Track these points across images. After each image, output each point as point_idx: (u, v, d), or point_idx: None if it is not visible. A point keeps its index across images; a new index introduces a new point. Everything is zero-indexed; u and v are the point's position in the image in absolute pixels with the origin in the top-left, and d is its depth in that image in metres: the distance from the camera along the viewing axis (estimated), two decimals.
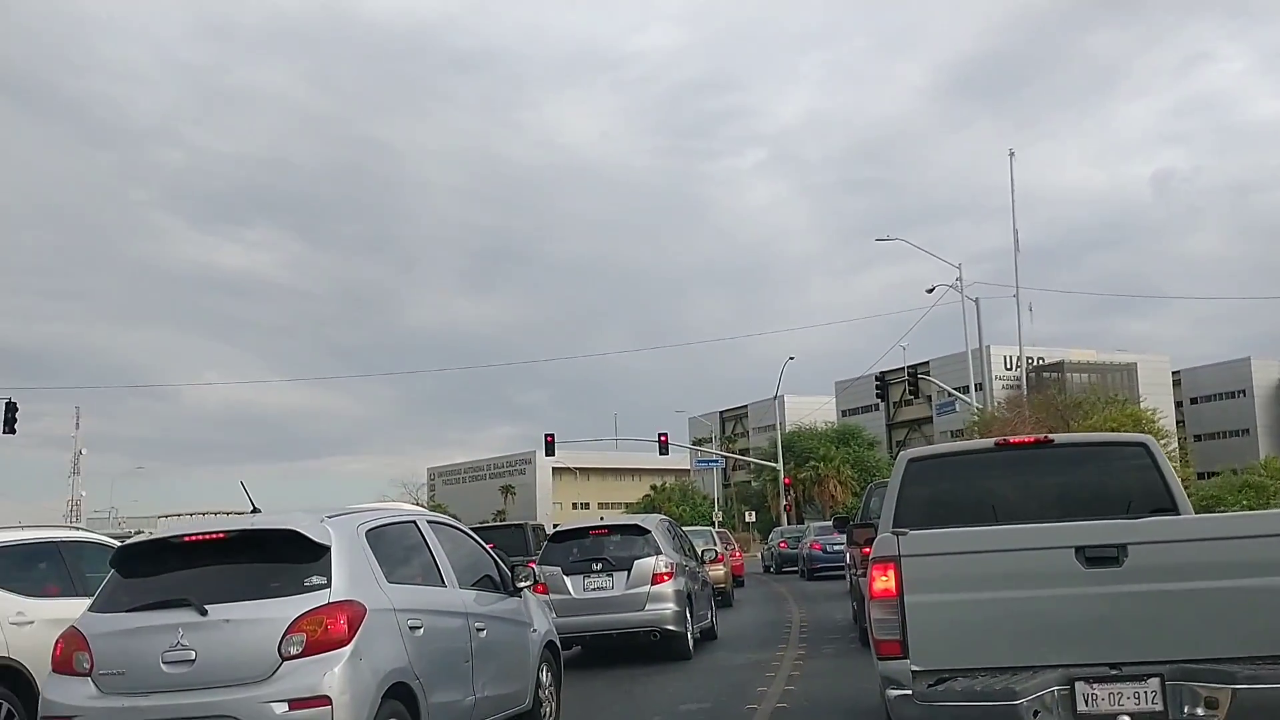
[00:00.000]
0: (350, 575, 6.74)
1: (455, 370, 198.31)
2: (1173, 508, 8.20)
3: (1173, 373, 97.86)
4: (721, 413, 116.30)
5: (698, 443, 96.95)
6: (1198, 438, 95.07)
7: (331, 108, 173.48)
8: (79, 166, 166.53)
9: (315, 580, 6.60)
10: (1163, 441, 46.39)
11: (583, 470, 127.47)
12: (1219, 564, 5.76)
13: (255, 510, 7.61)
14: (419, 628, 7.10)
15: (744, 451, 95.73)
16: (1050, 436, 9.30)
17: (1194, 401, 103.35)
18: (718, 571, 23.84)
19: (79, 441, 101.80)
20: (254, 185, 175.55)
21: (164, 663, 6.39)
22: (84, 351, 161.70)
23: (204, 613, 6.44)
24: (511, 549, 25.35)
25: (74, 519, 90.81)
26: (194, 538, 6.92)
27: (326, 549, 6.74)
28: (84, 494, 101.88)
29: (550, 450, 56.99)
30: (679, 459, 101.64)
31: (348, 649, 6.42)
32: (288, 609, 6.45)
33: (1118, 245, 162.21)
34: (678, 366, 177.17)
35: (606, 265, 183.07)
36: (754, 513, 79.26)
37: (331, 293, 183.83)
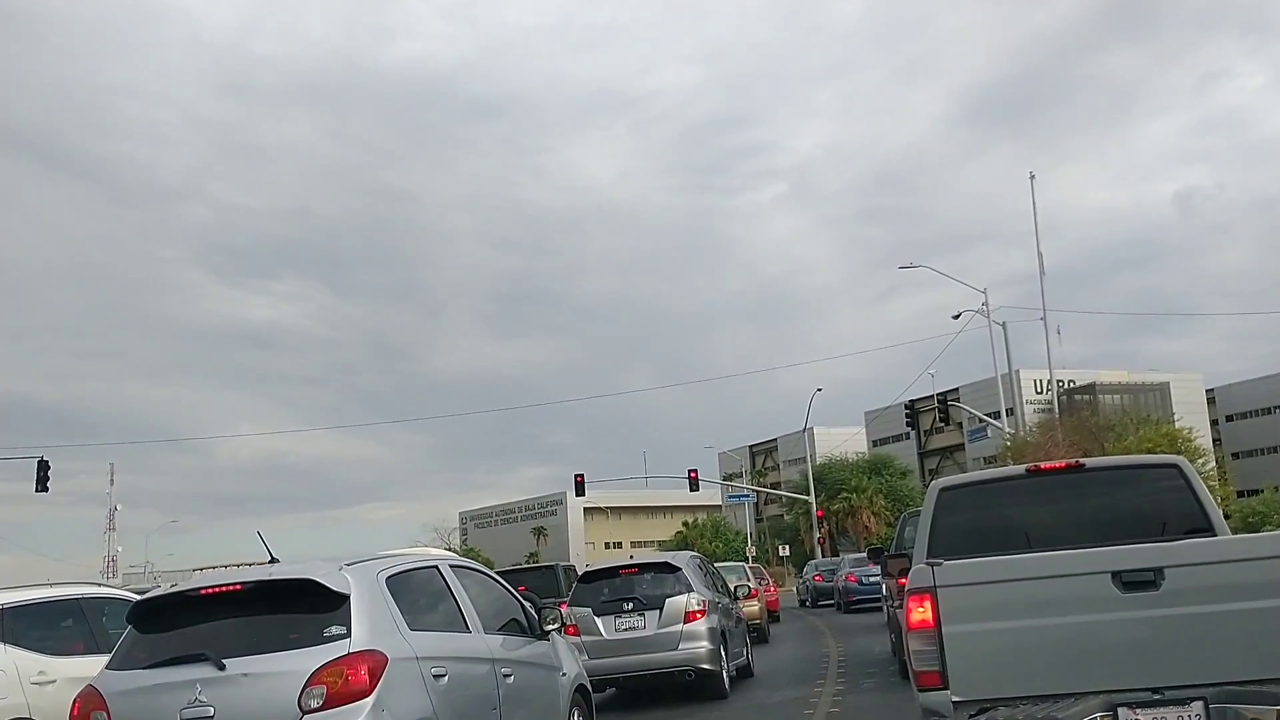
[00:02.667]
0: (371, 624, 6.57)
1: (484, 414, 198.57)
2: (1209, 529, 8.11)
3: (1207, 391, 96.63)
4: (751, 447, 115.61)
5: (728, 478, 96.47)
6: (1235, 455, 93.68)
7: (353, 158, 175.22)
8: (108, 226, 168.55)
9: (335, 630, 6.43)
10: (1200, 460, 46.21)
11: (614, 509, 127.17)
12: (1259, 584, 5.67)
13: (273, 560, 7.46)
14: (443, 676, 6.90)
15: (775, 485, 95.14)
16: (1081, 461, 9.31)
17: (1230, 419, 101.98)
18: (752, 607, 23.53)
19: (113, 498, 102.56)
20: (279, 238, 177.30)
21: (183, 719, 6.23)
22: (117, 409, 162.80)
23: (222, 667, 6.28)
24: (543, 591, 25.16)
25: (110, 575, 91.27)
26: (211, 590, 6.77)
27: (345, 598, 6.58)
28: (119, 549, 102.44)
29: (580, 490, 56.66)
30: (710, 495, 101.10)
31: (369, 700, 6.23)
32: (307, 661, 6.28)
33: (1145, 265, 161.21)
34: (706, 402, 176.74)
35: (631, 304, 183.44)
36: (788, 546, 78.56)
37: (359, 341, 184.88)
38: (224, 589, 6.75)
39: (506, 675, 7.77)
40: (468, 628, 7.65)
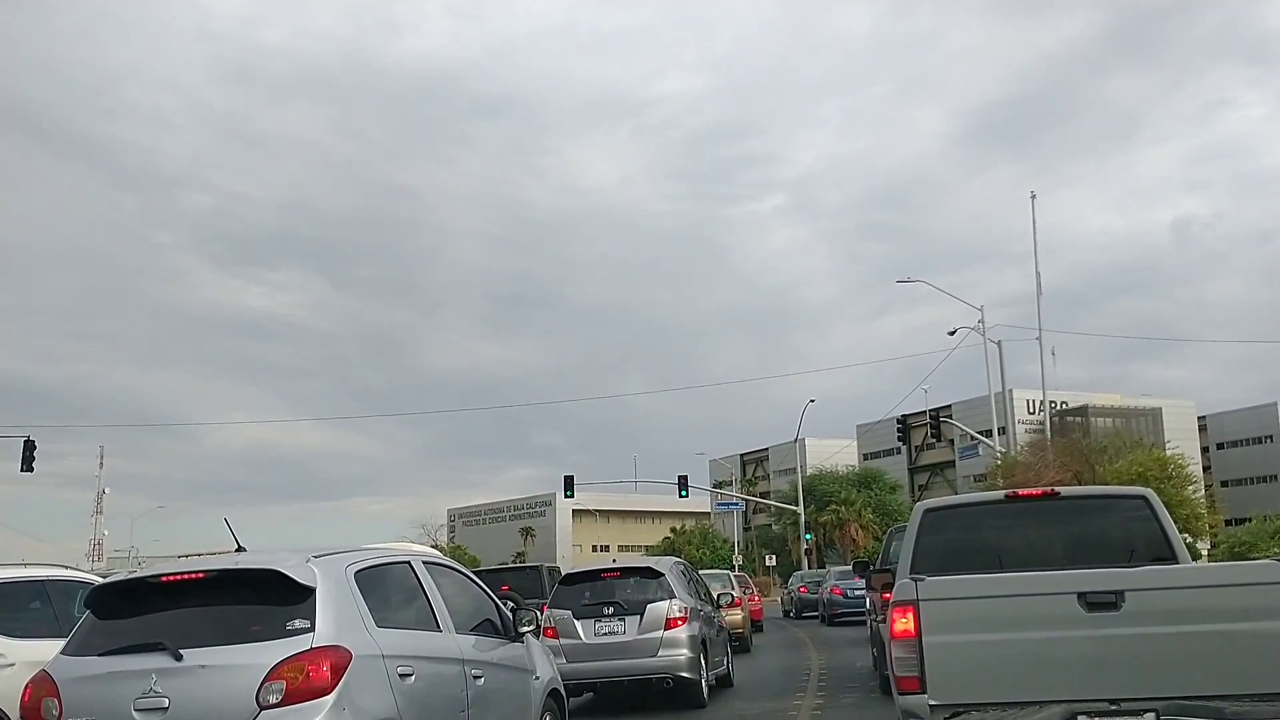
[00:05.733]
0: (336, 619, 6.36)
1: (476, 412, 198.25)
2: (1171, 557, 8.86)
3: (1198, 418, 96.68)
4: (742, 455, 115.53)
5: (718, 485, 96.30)
6: (1224, 483, 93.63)
7: (355, 152, 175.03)
8: (107, 210, 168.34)
9: (298, 624, 6.21)
10: (1191, 487, 45.95)
11: (602, 513, 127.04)
12: (1209, 609, 6.23)
13: (240, 549, 7.25)
14: (410, 675, 6.70)
15: (764, 494, 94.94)
16: (1056, 489, 10.05)
17: (1220, 447, 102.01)
18: (735, 616, 23.32)
19: (102, 481, 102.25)
20: (278, 229, 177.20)
21: (136, 710, 6.03)
22: (109, 393, 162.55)
23: (179, 658, 6.07)
24: (526, 591, 24.97)
25: (96, 558, 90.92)
26: (172, 578, 6.56)
27: (311, 591, 6.36)
28: (106, 533, 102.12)
29: (569, 491, 56.38)
30: (699, 502, 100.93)
31: (330, 698, 6.03)
32: (267, 654, 6.07)
33: (1140, 291, 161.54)
34: (698, 409, 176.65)
35: (627, 309, 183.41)
36: (774, 556, 78.42)
37: (354, 335, 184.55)
38: (186, 577, 6.55)
39: (477, 677, 7.56)
40: (438, 627, 7.44)
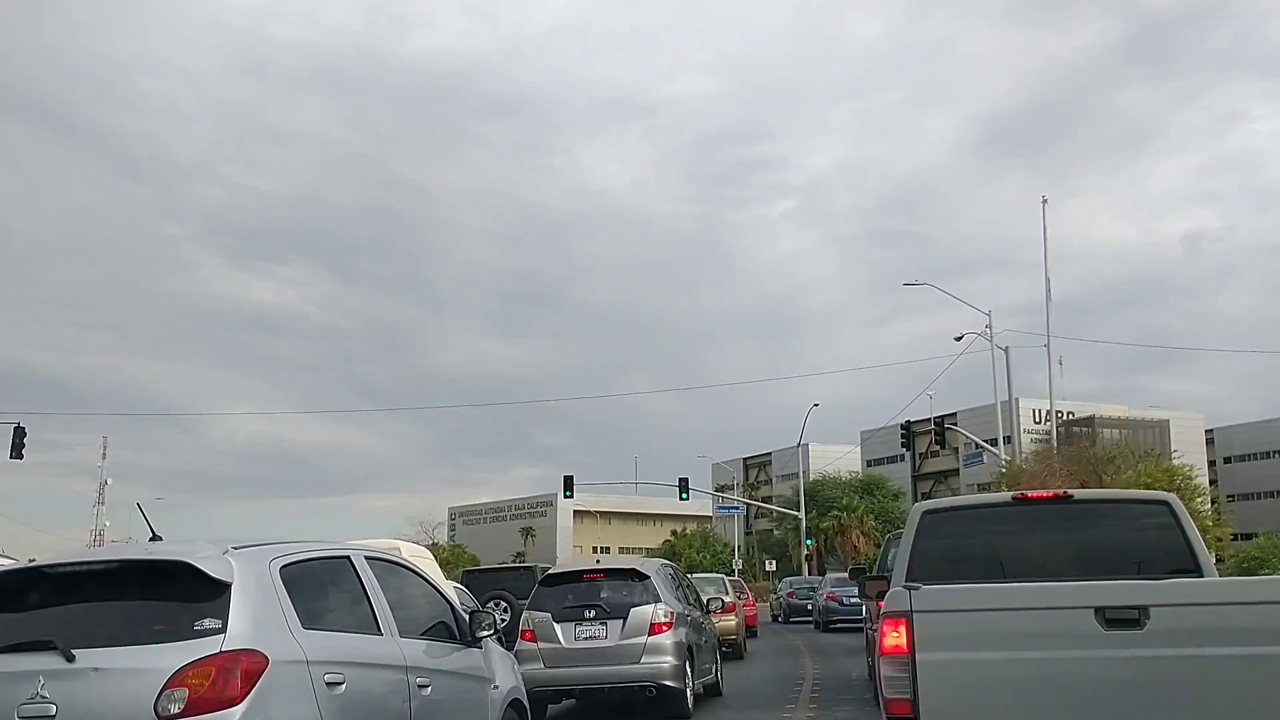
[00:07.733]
0: (253, 618, 5.61)
1: (482, 410, 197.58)
2: (1196, 569, 8.01)
3: (1206, 431, 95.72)
4: (745, 459, 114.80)
5: (720, 489, 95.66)
6: (1230, 498, 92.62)
7: (366, 148, 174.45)
8: (117, 201, 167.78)
9: (208, 624, 5.46)
10: (1199, 499, 45.18)
11: (603, 514, 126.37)
12: (1245, 629, 5.54)
13: (155, 538, 6.52)
14: (339, 684, 5.95)
15: (766, 499, 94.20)
16: (1070, 492, 9.17)
17: (1228, 461, 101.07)
18: (728, 622, 22.66)
19: (105, 471, 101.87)
20: (288, 223, 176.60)
21: (19, 717, 5.28)
22: (115, 383, 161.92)
23: (70, 659, 5.32)
24: (519, 591, 24.32)
25: (97, 548, 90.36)
26: (71, 568, 5.84)
27: (226, 586, 5.62)
28: (108, 524, 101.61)
29: (569, 491, 55.65)
30: (701, 505, 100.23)
31: (239, 709, 5.28)
32: (169, 658, 5.31)
33: (1150, 303, 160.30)
34: (702, 412, 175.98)
35: (634, 311, 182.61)
36: (775, 561, 77.77)
37: (361, 331, 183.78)
38: (86, 567, 5.83)
39: (423, 686, 6.81)
40: (379, 630, 6.68)
